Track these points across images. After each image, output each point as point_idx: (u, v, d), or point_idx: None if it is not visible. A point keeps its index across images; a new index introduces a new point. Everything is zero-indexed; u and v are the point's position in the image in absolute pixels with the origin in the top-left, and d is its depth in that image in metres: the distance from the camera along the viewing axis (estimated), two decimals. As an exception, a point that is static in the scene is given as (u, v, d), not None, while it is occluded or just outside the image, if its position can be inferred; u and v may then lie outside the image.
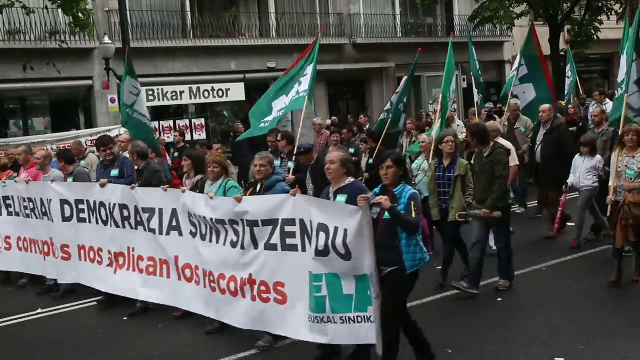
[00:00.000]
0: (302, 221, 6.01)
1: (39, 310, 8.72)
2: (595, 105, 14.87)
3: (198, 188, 7.66)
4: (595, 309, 7.36)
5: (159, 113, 22.89)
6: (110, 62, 18.64)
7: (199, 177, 7.90)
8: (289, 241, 6.20)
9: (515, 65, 15.03)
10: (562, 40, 26.84)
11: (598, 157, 9.67)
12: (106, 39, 18.72)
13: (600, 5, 26.01)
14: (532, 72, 14.21)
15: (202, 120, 22.94)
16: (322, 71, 25.02)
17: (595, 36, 25.71)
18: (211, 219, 6.87)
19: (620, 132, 8.60)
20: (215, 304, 6.98)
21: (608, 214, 8.51)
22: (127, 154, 9.62)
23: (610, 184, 8.29)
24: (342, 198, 5.76)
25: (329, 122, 17.39)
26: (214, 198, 6.94)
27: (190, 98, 22.58)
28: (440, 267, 8.53)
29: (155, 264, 7.76)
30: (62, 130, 17.89)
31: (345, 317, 5.67)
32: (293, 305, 6.19)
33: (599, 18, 25.98)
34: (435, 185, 8.45)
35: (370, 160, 11.35)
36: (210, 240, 6.97)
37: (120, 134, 12.37)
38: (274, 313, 6.37)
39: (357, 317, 5.63)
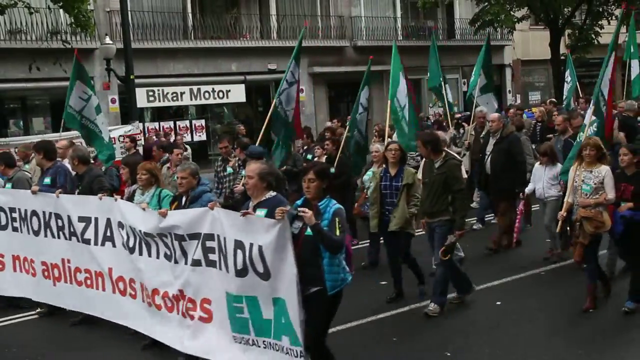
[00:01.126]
0: (218, 237, 5.65)
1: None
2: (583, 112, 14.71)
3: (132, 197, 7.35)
4: (594, 314, 7.37)
5: (159, 114, 22.94)
6: (111, 63, 18.65)
7: (135, 186, 7.53)
8: (211, 257, 5.81)
9: (472, 77, 15.28)
10: (562, 45, 26.88)
11: (559, 165, 9.18)
12: (107, 40, 18.72)
13: (601, 10, 26.04)
14: (489, 81, 14.45)
15: (203, 122, 22.96)
16: (323, 73, 25.11)
17: (595, 41, 25.74)
18: (140, 230, 6.48)
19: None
20: (150, 319, 6.51)
21: (558, 229, 8.30)
22: (66, 161, 9.15)
23: (566, 199, 7.82)
24: (261, 212, 5.39)
25: (328, 124, 17.34)
26: (145, 210, 6.55)
27: (191, 99, 22.60)
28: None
29: (91, 276, 7.24)
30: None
31: (267, 343, 5.34)
32: (218, 324, 5.79)
33: (600, 23, 26.01)
34: (378, 195, 8.08)
35: (332, 169, 10.40)
36: (141, 253, 6.54)
37: (58, 140, 10.91)
38: (201, 332, 5.95)
39: (276, 344, 5.27)
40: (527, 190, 9.61)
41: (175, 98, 22.26)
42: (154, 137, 16.88)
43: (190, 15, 22.51)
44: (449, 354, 6.39)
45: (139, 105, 18.94)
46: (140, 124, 18.54)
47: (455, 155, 8.17)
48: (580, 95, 19.01)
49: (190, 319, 6.03)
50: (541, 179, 9.38)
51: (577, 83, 18.86)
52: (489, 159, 10.31)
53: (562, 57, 26.15)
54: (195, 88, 22.35)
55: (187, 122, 22.61)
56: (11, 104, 21.54)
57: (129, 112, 17.97)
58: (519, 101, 27.84)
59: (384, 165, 8.28)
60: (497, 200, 10.37)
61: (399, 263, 8.11)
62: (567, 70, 18.86)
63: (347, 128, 11.72)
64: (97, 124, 11.99)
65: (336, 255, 5.30)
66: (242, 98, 23.41)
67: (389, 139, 10.37)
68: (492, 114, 11.06)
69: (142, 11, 21.28)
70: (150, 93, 21.46)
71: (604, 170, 7.35)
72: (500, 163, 10.01)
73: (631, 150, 7.38)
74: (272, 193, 5.56)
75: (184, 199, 6.65)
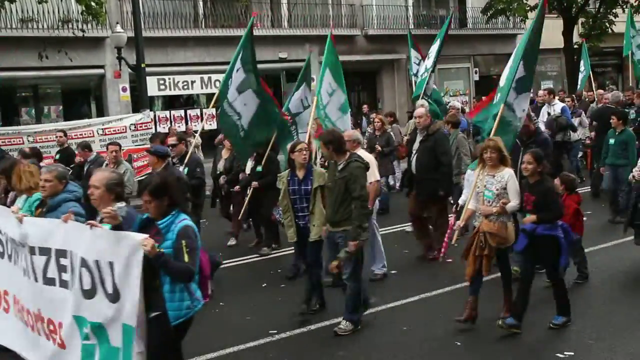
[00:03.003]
0: (71, 253, 4.98)
1: None
2: (546, 106, 14.26)
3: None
4: (604, 304, 7.33)
5: (169, 102, 22.97)
6: (122, 51, 18.67)
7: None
8: (64, 276, 5.09)
9: (422, 70, 15.23)
10: (575, 33, 26.64)
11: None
12: (118, 28, 18.74)
13: (615, -2, 25.81)
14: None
15: (213, 111, 22.96)
16: (334, 62, 24.98)
17: (609, 29, 25.51)
18: (12, 238, 5.74)
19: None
20: (24, 339, 5.67)
21: (453, 240, 7.52)
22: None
23: (466, 205, 7.22)
24: (106, 226, 4.79)
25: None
26: (23, 218, 5.66)
27: (202, 87, 22.60)
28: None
29: None
30: (73, 119, 17.98)
31: None
32: (71, 351, 5.04)
33: (614, 11, 25.76)
34: (289, 201, 7.55)
35: (259, 168, 10.08)
36: (15, 262, 5.74)
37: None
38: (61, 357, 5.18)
39: None
40: (460, 200, 8.19)
41: (186, 86, 22.28)
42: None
43: (201, 3, 22.48)
44: (459, 344, 6.39)
45: (149, 93, 19.01)
46: (151, 113, 18.57)
47: (361, 156, 7.17)
48: (593, 86, 18.85)
49: (53, 342, 5.26)
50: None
51: (591, 72, 18.71)
52: (414, 158, 9.43)
53: (576, 46, 25.96)
54: (206, 77, 22.34)
55: (197, 111, 22.62)
56: (23, 93, 21.63)
57: (139, 101, 18.02)
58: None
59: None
60: (422, 204, 9.39)
61: (320, 274, 7.44)
62: (582, 60, 18.79)
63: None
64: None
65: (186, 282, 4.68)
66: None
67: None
68: (418, 109, 10.11)
69: (153, -1, 21.28)
70: (161, 81, 21.48)
71: (507, 174, 6.72)
72: (424, 163, 9.18)
73: (535, 157, 6.62)
74: (120, 204, 5.00)
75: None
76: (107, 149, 9.78)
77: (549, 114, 13.97)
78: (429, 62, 15.13)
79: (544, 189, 6.58)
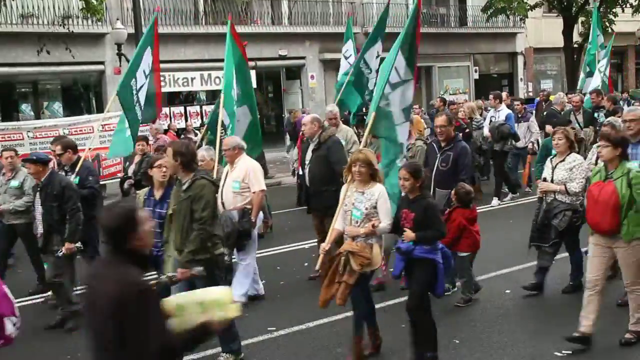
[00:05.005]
0: None
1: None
2: (491, 111, 13.32)
3: None
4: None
5: (169, 99, 22.98)
6: (122, 47, 18.66)
7: None
8: None
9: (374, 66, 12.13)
10: (575, 32, 26.66)
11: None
12: (118, 24, 18.74)
13: (615, -3, 25.85)
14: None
15: (213, 107, 22.97)
16: (334, 60, 24.97)
17: (609, 29, 25.53)
18: None
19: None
20: None
21: (318, 266, 6.41)
22: None
23: (332, 225, 6.34)
24: None
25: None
26: None
27: (201, 84, 22.61)
28: None
29: None
30: (73, 115, 17.99)
31: None
32: None
33: (614, 10, 25.77)
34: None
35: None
36: None
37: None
38: None
39: None
40: None
41: (185, 83, 22.29)
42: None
43: (201, 0, 22.47)
44: (457, 341, 6.40)
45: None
46: (151, 109, 18.55)
47: (208, 172, 6.48)
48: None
49: None
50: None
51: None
52: (308, 169, 8.56)
53: (575, 45, 25.99)
54: (205, 73, 22.35)
55: (197, 108, 22.62)
56: (22, 88, 21.63)
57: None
58: (530, 89, 27.68)
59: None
60: (320, 219, 8.22)
61: None
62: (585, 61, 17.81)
63: (205, 128, 10.20)
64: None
65: None
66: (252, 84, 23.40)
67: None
68: (304, 117, 9.23)
69: (154, -4, 21.28)
70: (161, 78, 21.45)
71: (378, 191, 5.99)
72: (318, 174, 8.28)
73: (411, 172, 5.88)
74: None
75: None
76: (1, 155, 8.84)
77: (491, 119, 13.06)
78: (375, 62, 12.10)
79: (425, 205, 5.87)
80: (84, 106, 21.62)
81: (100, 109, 20.79)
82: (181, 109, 22.22)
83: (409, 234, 5.76)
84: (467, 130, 12.78)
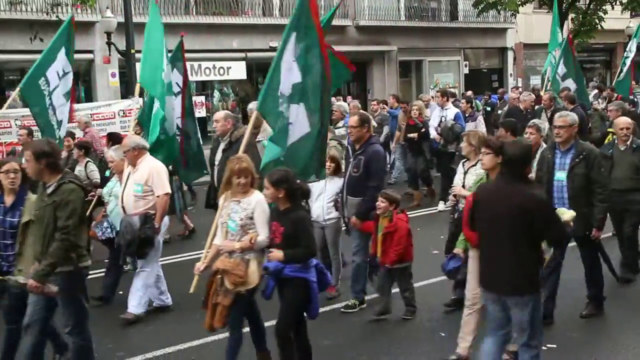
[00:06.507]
0: None
1: None
2: (438, 110, 12.69)
3: None
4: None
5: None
6: (111, 36, 18.54)
7: None
8: None
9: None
10: (565, 29, 26.74)
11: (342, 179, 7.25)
12: (108, 13, 18.62)
13: (605, -6, 25.94)
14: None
15: (202, 98, 22.90)
16: (324, 52, 24.94)
17: (599, 26, 25.65)
18: None
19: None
20: None
21: (192, 289, 6.08)
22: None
23: (208, 240, 5.90)
24: None
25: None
26: None
27: (191, 75, 22.38)
28: None
29: None
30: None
31: None
32: None
33: (604, 8, 25.89)
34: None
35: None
36: None
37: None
38: None
39: None
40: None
41: (175, 73, 22.17)
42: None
43: (191, -10, 22.38)
44: (443, 334, 6.44)
45: (139, 80, 18.84)
46: (140, 99, 18.46)
47: (76, 175, 5.98)
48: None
49: None
50: (322, 195, 7.37)
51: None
52: (217, 170, 8.13)
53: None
54: (195, 64, 22.24)
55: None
56: (11, 76, 21.45)
57: (128, 87, 17.93)
58: (520, 85, 27.74)
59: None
60: None
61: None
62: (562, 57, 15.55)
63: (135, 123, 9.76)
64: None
65: None
66: (242, 75, 23.32)
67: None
68: (216, 113, 9.00)
69: (144, -15, 21.13)
70: (151, 68, 21.36)
71: (255, 199, 5.42)
72: None
73: (272, 182, 5.32)
74: None
75: None
76: None
77: (441, 119, 12.31)
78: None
79: (294, 219, 5.29)
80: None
81: (89, 98, 20.67)
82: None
83: (275, 254, 5.26)
84: (423, 129, 12.11)
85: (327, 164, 7.17)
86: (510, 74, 30.91)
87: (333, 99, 14.11)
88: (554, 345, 6.09)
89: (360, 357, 6.15)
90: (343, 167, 7.51)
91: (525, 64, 31.77)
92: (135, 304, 7.06)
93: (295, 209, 5.38)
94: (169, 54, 9.09)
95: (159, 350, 6.38)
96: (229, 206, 5.48)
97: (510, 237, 4.68)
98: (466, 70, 29.36)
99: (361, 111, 11.04)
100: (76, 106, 16.94)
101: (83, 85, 21.74)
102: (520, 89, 18.48)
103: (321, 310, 6.23)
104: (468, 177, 6.52)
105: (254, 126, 7.07)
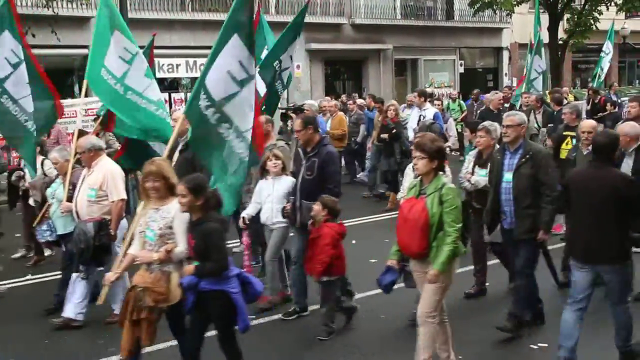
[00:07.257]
0: None
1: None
2: (417, 110, 12.51)
3: None
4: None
5: (154, 85, 22.84)
6: (107, 32, 18.46)
7: None
8: None
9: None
10: (560, 29, 26.83)
11: (291, 178, 6.97)
12: (103, 8, 18.53)
13: (600, -5, 26.05)
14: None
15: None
16: (320, 50, 24.98)
17: (594, 26, 25.74)
18: None
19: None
20: None
21: (101, 301, 6.07)
22: None
23: (123, 249, 5.68)
24: None
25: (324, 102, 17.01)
26: None
27: (187, 71, 22.52)
28: None
29: None
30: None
31: None
32: None
33: (599, 8, 25.98)
34: None
35: None
36: None
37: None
38: None
39: None
40: (246, 213, 7.10)
41: (170, 70, 22.20)
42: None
43: (187, -14, 22.35)
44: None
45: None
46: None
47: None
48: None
49: None
50: (267, 197, 7.02)
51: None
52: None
53: (560, 42, 26.16)
54: (191, 60, 22.26)
55: (182, 95, 22.52)
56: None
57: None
58: (515, 84, 27.80)
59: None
60: None
61: None
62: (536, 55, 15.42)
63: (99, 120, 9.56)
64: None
65: None
66: (238, 72, 23.30)
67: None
68: (175, 112, 8.53)
69: (140, -19, 21.11)
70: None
71: (174, 208, 5.07)
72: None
73: (189, 188, 4.92)
74: None
75: None
76: None
77: (420, 119, 12.13)
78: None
79: (205, 231, 4.90)
80: (68, 90, 21.39)
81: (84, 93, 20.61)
82: (165, 95, 22.07)
83: (186, 268, 4.96)
84: (394, 129, 11.86)
85: (273, 161, 6.94)
86: (505, 74, 31.00)
87: (311, 101, 14.14)
88: (546, 345, 6.13)
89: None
90: (290, 166, 7.12)
91: (520, 64, 31.84)
92: (76, 312, 6.78)
93: (207, 219, 4.95)
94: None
95: (154, 346, 6.32)
96: (148, 214, 5.15)
97: (603, 214, 5.31)
98: (461, 70, 29.43)
99: (306, 113, 10.77)
100: (72, 101, 16.95)
101: (77, 80, 21.69)
102: (513, 89, 18.41)
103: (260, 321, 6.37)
104: (407, 181, 6.31)
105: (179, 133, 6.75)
